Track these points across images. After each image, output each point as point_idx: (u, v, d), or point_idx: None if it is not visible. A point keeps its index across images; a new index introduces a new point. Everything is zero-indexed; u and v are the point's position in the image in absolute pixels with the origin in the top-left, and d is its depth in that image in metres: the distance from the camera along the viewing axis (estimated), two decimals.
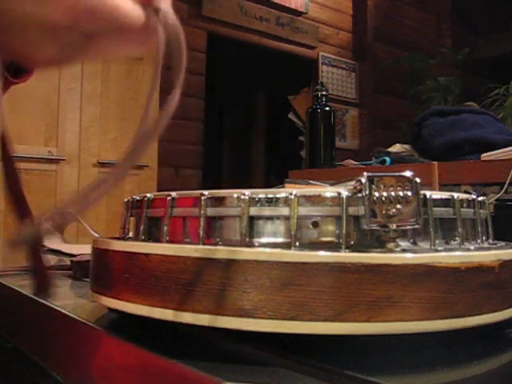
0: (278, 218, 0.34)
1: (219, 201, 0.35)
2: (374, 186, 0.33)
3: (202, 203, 0.35)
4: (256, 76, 4.58)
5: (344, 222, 0.33)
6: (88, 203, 0.29)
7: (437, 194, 0.36)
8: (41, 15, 0.27)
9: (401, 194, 0.33)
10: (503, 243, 0.42)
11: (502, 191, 1.19)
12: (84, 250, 0.74)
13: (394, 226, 0.33)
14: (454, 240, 0.37)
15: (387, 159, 1.53)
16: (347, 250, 0.32)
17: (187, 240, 0.36)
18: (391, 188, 0.33)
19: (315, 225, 0.34)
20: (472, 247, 0.37)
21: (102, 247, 0.39)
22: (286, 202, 0.33)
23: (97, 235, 0.96)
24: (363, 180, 0.33)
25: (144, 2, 0.31)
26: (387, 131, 4.00)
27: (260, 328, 0.30)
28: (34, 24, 0.27)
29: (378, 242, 0.33)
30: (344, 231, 0.33)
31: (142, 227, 0.40)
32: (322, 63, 3.92)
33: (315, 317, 0.29)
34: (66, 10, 0.27)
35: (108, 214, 2.62)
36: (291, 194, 0.33)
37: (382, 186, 0.33)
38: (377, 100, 4.15)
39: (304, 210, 0.33)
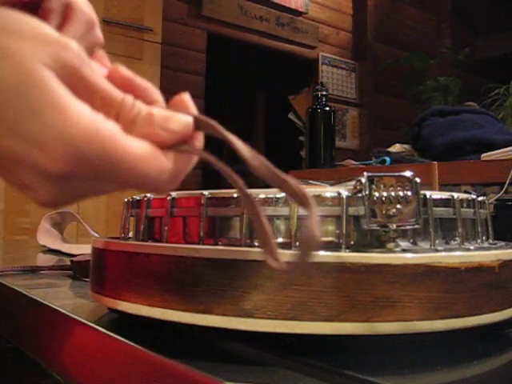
0: (278, 217, 0.34)
1: (219, 201, 0.35)
2: (374, 186, 0.33)
3: (202, 203, 0.35)
4: (256, 76, 4.58)
5: (344, 222, 0.33)
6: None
7: (437, 194, 0.36)
8: (29, 159, 0.23)
9: (401, 194, 0.33)
10: (503, 243, 0.42)
11: (502, 191, 1.19)
12: (84, 250, 0.74)
13: (394, 226, 0.33)
14: (454, 240, 0.37)
15: (387, 159, 1.53)
16: (347, 250, 0.32)
17: (187, 240, 0.36)
18: (391, 188, 0.33)
19: None
20: (472, 247, 0.37)
21: (102, 247, 0.39)
22: (286, 201, 0.33)
23: (97, 235, 0.96)
24: (363, 180, 0.33)
25: (167, 142, 0.26)
26: (387, 131, 4.00)
27: (260, 328, 0.30)
28: (22, 166, 0.23)
29: (378, 242, 0.33)
30: (344, 231, 0.33)
31: (142, 227, 0.40)
32: (322, 63, 3.92)
33: (315, 317, 0.29)
34: (58, 159, 0.23)
35: (108, 214, 2.63)
36: None
37: (382, 186, 0.33)
38: (377, 100, 4.15)
39: (304, 210, 0.33)
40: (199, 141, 0.27)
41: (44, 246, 0.99)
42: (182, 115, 0.26)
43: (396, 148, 1.67)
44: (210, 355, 0.32)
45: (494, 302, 0.33)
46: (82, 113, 0.23)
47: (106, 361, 0.38)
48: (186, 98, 0.28)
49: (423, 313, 0.30)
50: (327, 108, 1.81)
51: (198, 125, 0.27)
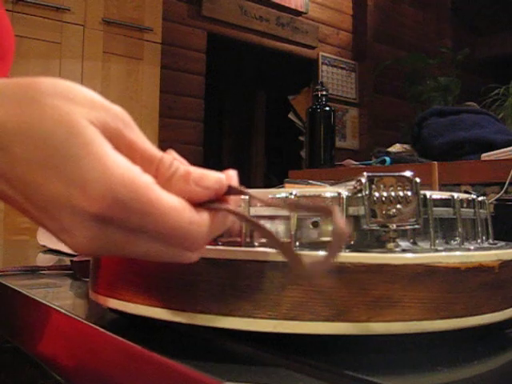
0: (277, 217, 0.34)
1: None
2: (373, 186, 0.33)
3: None
4: (256, 76, 4.58)
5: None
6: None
7: (437, 194, 0.35)
8: (70, 199, 0.25)
9: (401, 194, 0.33)
10: (503, 243, 0.42)
11: (502, 191, 1.19)
12: None
13: (394, 226, 0.33)
14: (454, 240, 0.37)
15: (387, 159, 1.53)
16: (347, 250, 0.32)
17: None
18: (391, 188, 0.33)
19: (315, 225, 0.34)
20: (472, 247, 0.37)
21: None
22: (286, 202, 0.33)
23: None
24: (363, 180, 0.33)
25: (201, 198, 0.28)
26: (387, 131, 4.00)
27: (260, 328, 0.30)
28: (64, 208, 0.26)
29: (378, 241, 0.33)
30: None
31: None
32: (322, 63, 3.92)
33: (315, 317, 0.29)
34: (95, 199, 0.25)
35: None
36: (291, 193, 0.33)
37: (381, 186, 0.33)
38: (377, 100, 4.15)
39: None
40: (235, 204, 0.30)
41: (44, 246, 0.99)
42: (215, 173, 0.29)
43: (396, 148, 1.67)
44: (210, 355, 0.32)
45: (494, 301, 0.33)
46: (120, 162, 0.26)
47: (106, 361, 0.38)
48: (231, 172, 0.30)
49: (423, 313, 0.30)
50: (327, 108, 1.81)
51: (230, 190, 0.29)
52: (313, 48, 3.89)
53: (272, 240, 0.29)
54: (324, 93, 1.82)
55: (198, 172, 0.28)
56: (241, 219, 0.30)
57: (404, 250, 0.33)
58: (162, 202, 0.26)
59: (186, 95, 3.07)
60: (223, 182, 0.29)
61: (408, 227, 0.33)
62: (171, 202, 0.26)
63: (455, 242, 0.36)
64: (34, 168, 0.25)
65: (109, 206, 0.25)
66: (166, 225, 0.26)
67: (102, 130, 0.26)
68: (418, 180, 0.34)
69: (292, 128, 3.80)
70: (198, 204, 0.28)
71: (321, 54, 3.92)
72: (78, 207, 0.25)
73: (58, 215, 0.26)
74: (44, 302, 0.48)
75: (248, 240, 0.34)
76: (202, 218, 0.28)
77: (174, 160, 0.28)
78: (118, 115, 0.27)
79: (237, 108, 4.98)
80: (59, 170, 0.25)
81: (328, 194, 0.33)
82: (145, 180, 0.26)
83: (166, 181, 0.27)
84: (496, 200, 1.14)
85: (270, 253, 0.31)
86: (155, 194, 0.26)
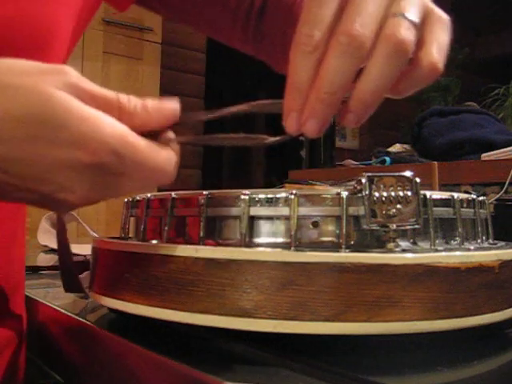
0: (278, 218, 0.34)
1: (219, 201, 0.35)
2: (374, 186, 0.33)
3: (202, 203, 0.35)
4: (256, 76, 4.58)
5: (344, 222, 0.33)
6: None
7: (437, 194, 0.36)
8: (72, 159, 0.28)
9: (401, 193, 0.33)
10: (503, 243, 0.42)
11: (502, 191, 1.19)
12: (84, 249, 0.74)
13: (394, 226, 0.33)
14: (454, 240, 0.37)
15: (387, 159, 1.53)
16: (347, 250, 0.32)
17: (187, 240, 0.36)
18: (391, 188, 0.33)
19: (315, 225, 0.34)
20: (472, 247, 0.37)
21: (102, 247, 0.39)
22: (286, 201, 0.33)
23: (96, 235, 0.96)
24: (363, 180, 0.33)
25: (162, 126, 0.32)
26: (387, 131, 4.00)
27: (260, 328, 0.30)
28: (64, 168, 0.29)
29: (378, 242, 0.33)
30: (344, 231, 0.33)
31: (142, 227, 0.40)
32: None
33: (315, 317, 0.30)
34: (95, 151, 0.28)
35: (108, 214, 2.62)
36: (291, 193, 0.33)
37: (381, 186, 0.33)
38: None
39: (304, 210, 0.33)
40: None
41: (45, 246, 0.99)
42: (169, 103, 0.32)
43: (396, 148, 1.68)
44: (210, 355, 0.32)
45: (494, 301, 0.33)
46: (101, 117, 0.29)
47: (106, 361, 0.38)
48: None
49: (423, 313, 0.30)
50: None
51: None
52: None
53: (229, 139, 0.36)
54: None
55: (155, 102, 0.32)
56: (195, 144, 0.35)
57: (404, 250, 0.33)
58: (142, 145, 0.30)
59: (186, 95, 3.07)
60: (178, 110, 0.32)
61: (408, 227, 0.33)
62: (148, 144, 0.30)
63: (455, 242, 0.36)
64: (24, 145, 0.28)
65: (104, 154, 0.29)
66: (149, 165, 0.30)
67: (69, 92, 0.28)
68: (417, 180, 0.34)
69: None
70: (160, 141, 0.32)
71: None
72: (77, 163, 0.28)
73: (56, 177, 0.29)
74: (44, 301, 0.48)
75: (248, 240, 0.34)
76: (172, 152, 0.32)
77: (130, 97, 0.31)
78: (70, 73, 0.29)
79: None
80: (54, 138, 0.28)
81: (328, 194, 0.33)
82: (123, 128, 0.30)
83: (131, 115, 0.31)
84: (496, 200, 1.14)
85: (271, 253, 0.31)
86: (136, 139, 0.30)
